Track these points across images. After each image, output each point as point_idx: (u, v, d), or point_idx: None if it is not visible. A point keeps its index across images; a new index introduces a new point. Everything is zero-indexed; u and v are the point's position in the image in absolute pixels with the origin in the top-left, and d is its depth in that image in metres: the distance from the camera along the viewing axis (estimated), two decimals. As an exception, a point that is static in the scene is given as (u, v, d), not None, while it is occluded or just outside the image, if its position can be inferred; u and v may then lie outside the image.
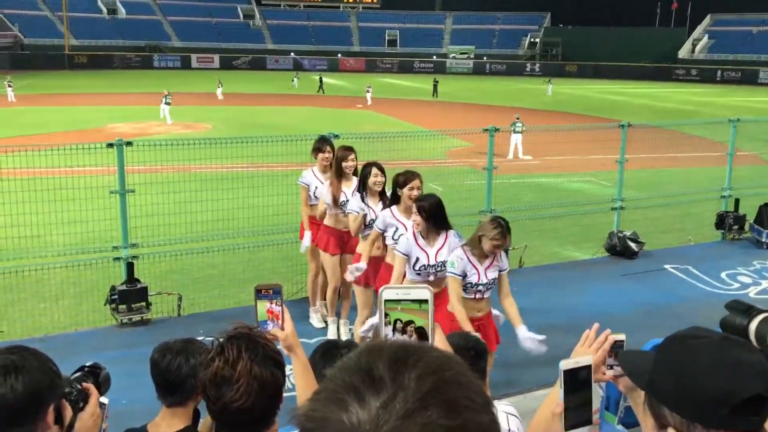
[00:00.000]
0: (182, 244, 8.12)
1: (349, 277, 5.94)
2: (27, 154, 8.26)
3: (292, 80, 52.14)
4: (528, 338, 4.87)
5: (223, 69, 69.04)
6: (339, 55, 77.47)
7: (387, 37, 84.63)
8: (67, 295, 8.45)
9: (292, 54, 75.62)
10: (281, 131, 10.18)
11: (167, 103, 28.92)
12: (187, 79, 54.88)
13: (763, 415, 1.24)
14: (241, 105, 36.18)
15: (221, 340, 1.98)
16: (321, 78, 48.78)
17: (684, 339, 1.37)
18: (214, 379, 1.93)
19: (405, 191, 5.73)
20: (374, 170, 6.22)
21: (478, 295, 5.05)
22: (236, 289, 8.49)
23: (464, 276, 4.97)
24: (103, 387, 2.17)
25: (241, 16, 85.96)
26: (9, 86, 36.84)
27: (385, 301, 1.24)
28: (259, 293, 2.28)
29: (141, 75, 59.65)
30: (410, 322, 1.25)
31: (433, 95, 44.69)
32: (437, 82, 46.65)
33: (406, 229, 5.62)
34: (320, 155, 7.02)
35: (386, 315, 1.24)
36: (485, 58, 77.98)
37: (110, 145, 7.20)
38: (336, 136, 7.84)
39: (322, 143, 7.09)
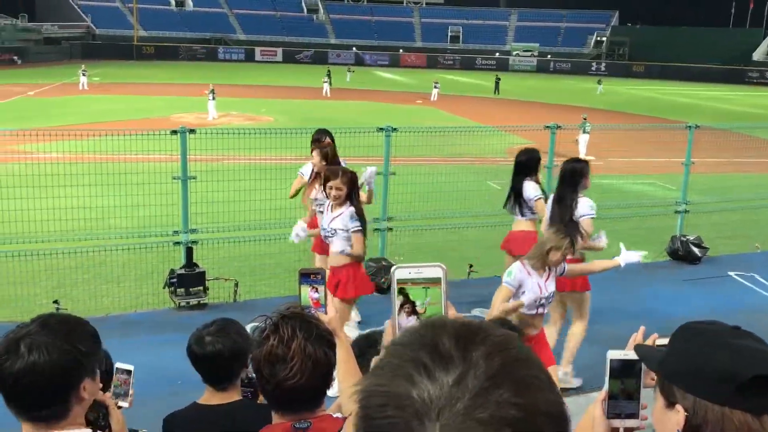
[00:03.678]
0: (240, 231, 8.29)
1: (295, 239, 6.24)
2: (95, 140, 8.57)
3: (335, 75, 52.30)
4: (629, 254, 5.08)
5: (286, 62, 69.93)
6: (401, 50, 77.51)
7: (450, 33, 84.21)
8: (128, 277, 8.72)
9: (353, 48, 76.04)
10: (340, 125, 10.29)
11: (213, 98, 29.18)
12: (250, 71, 55.81)
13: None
14: (301, 99, 36.59)
15: (275, 319, 2.02)
16: (329, 71, 48.96)
17: (697, 325, 1.45)
18: (268, 358, 1.96)
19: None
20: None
21: (540, 310, 4.99)
22: (290, 278, 8.60)
23: (519, 289, 4.90)
24: (110, 374, 2.31)
25: (305, 9, 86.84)
26: (83, 75, 38.24)
27: (398, 280, 1.22)
28: (304, 277, 2.32)
29: (205, 67, 60.89)
30: (409, 301, 1.23)
31: (495, 92, 44.30)
32: (499, 79, 46.21)
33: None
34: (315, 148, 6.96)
35: (398, 294, 1.23)
36: (549, 56, 76.85)
37: (174, 132, 7.40)
38: (394, 130, 7.87)
39: (320, 134, 7.13)
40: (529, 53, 78.04)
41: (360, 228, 5.68)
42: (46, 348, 1.80)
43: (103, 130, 9.34)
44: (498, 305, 4.82)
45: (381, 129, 8.12)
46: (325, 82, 40.56)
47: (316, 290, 2.31)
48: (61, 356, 1.81)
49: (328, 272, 5.57)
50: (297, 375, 1.93)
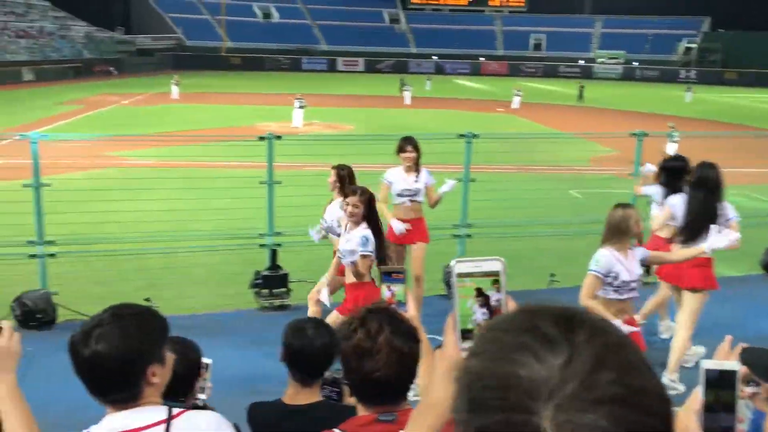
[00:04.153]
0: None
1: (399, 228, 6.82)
2: (185, 147, 8.94)
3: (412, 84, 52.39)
4: (717, 238, 4.91)
5: (367, 72, 70.76)
6: (481, 58, 77.14)
7: (532, 41, 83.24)
8: (214, 279, 9.03)
9: (434, 57, 76.19)
10: (420, 132, 10.40)
11: (301, 107, 29.77)
12: (332, 81, 56.73)
13: None
14: (381, 107, 36.91)
15: (362, 313, 2.09)
16: (402, 80, 49.04)
17: None
18: (356, 350, 2.04)
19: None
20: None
21: (632, 294, 4.98)
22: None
23: (609, 275, 4.88)
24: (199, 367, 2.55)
25: (387, 20, 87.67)
26: (175, 85, 39.88)
27: (458, 274, 1.22)
28: (386, 275, 2.39)
29: (289, 77, 62.28)
30: (483, 294, 1.23)
31: (578, 100, 43.46)
32: (583, 87, 45.30)
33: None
34: (402, 154, 7.19)
35: (459, 288, 1.23)
36: (636, 63, 74.79)
37: (262, 138, 7.65)
38: (475, 136, 7.88)
39: (405, 142, 7.23)
40: (615, 60, 76.17)
41: (369, 253, 5.42)
42: (113, 337, 1.97)
43: (193, 138, 9.72)
44: (584, 293, 4.85)
45: (462, 135, 8.15)
46: (406, 90, 40.80)
47: (397, 288, 2.37)
48: (126, 345, 1.98)
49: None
50: (383, 368, 1.99)
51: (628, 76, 72.08)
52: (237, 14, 79.82)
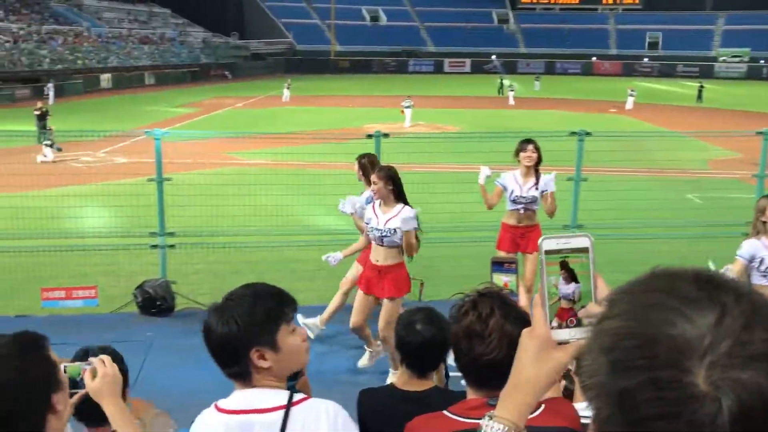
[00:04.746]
0: (426, 233, 8.53)
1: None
2: (295, 147, 9.26)
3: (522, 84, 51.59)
4: None
5: (474, 73, 70.37)
6: (594, 58, 75.01)
7: (648, 40, 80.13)
8: (321, 274, 9.24)
9: (544, 57, 74.80)
10: (526, 133, 10.31)
11: (407, 107, 30.07)
12: (439, 82, 56.78)
13: None
14: (486, 108, 36.62)
15: (473, 297, 2.11)
16: (501, 80, 48.41)
17: None
18: (466, 333, 2.05)
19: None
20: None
21: None
22: (467, 283, 8.69)
23: (753, 261, 5.07)
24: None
25: (496, 20, 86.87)
26: (287, 88, 41.31)
27: (546, 252, 1.21)
28: (496, 265, 2.39)
29: (396, 79, 62.85)
30: (569, 269, 1.22)
31: (698, 100, 41.47)
32: (702, 87, 43.20)
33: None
34: (522, 154, 6.76)
35: (547, 266, 1.21)
36: (762, 61, 70.48)
37: (369, 136, 7.81)
38: (587, 134, 7.71)
39: (525, 144, 6.82)
40: (738, 59, 72.09)
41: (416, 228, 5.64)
42: (226, 313, 2.07)
43: (303, 139, 10.02)
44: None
45: (574, 133, 7.99)
46: (511, 91, 40.45)
47: (510, 278, 2.38)
48: (230, 324, 2.06)
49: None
50: (494, 351, 1.99)
51: (753, 74, 68.07)
52: (346, 18, 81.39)
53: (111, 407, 2.12)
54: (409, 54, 77.54)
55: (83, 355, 2.36)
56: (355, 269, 6.89)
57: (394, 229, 5.58)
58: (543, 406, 2.05)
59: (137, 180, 9.69)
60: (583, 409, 2.31)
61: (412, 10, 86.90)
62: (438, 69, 73.66)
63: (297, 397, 2.06)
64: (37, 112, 22.81)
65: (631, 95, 37.69)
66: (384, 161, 8.15)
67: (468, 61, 74.48)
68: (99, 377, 2.16)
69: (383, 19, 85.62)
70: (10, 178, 9.37)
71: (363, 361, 6.31)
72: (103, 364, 2.19)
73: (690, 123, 30.07)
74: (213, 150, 14.84)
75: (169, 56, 66.53)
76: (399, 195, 5.67)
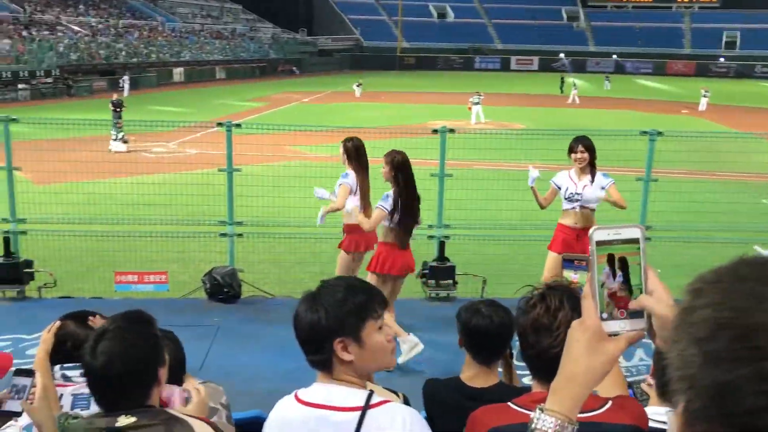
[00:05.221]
0: (488, 230, 8.52)
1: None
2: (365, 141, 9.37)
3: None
4: None
5: (541, 71, 69.36)
6: (666, 58, 72.91)
7: (724, 39, 77.35)
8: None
9: (614, 56, 73.10)
10: (595, 130, 10.15)
11: (476, 103, 29.95)
12: (505, 80, 56.22)
13: None
14: (551, 107, 36.08)
15: (542, 289, 2.11)
16: (563, 78, 47.66)
17: None
18: (534, 325, 2.05)
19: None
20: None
21: None
22: (531, 282, 8.63)
23: None
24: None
25: (565, 17, 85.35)
26: (358, 86, 42.02)
27: (597, 242, 1.20)
28: (567, 262, 2.40)
29: (462, 76, 62.51)
30: (620, 260, 1.20)
31: (776, 103, 39.87)
32: (782, 88, 41.50)
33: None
34: (572, 155, 6.59)
35: (598, 256, 1.20)
36: None
37: (435, 131, 7.83)
38: (659, 134, 7.55)
39: (577, 142, 6.63)
40: (823, 59, 68.92)
41: (382, 207, 6.02)
42: (313, 303, 2.10)
43: (370, 134, 10.09)
44: None
45: (645, 132, 7.81)
46: (574, 89, 39.82)
47: (580, 275, 2.38)
48: (317, 314, 2.07)
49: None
50: (561, 344, 1.98)
51: (838, 76, 65.04)
52: (413, 14, 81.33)
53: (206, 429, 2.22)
54: (475, 51, 76.95)
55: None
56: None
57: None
58: (610, 402, 2.04)
59: (207, 170, 9.97)
60: (657, 413, 2.28)
61: (480, 6, 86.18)
62: (505, 66, 72.87)
63: (375, 399, 2.03)
64: (113, 104, 23.63)
65: (705, 96, 36.46)
66: (449, 158, 8.17)
67: (536, 58, 73.43)
68: (195, 403, 2.37)
69: (451, 16, 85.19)
70: (87, 166, 9.77)
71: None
72: (198, 393, 2.40)
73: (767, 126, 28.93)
74: (280, 143, 15.08)
75: (239, 51, 67.86)
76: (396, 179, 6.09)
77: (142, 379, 2.13)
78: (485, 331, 2.88)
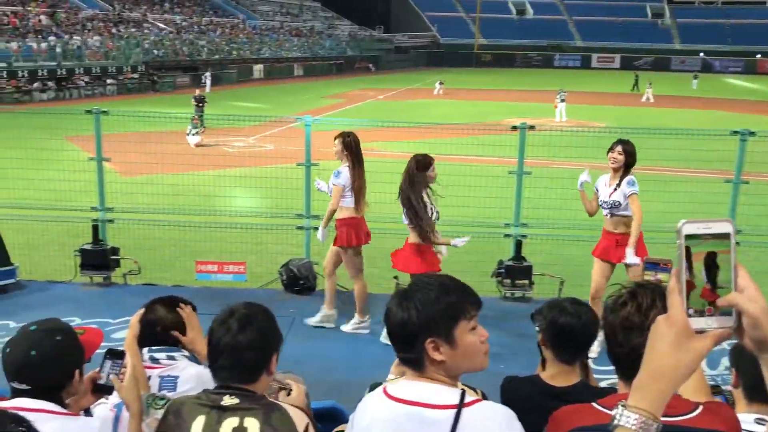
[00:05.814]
0: (565, 230, 8.36)
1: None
2: (441, 139, 9.36)
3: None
4: None
5: (623, 69, 67.53)
6: (758, 55, 69.73)
7: (822, 36, 73.49)
8: (457, 267, 9.25)
9: (701, 54, 70.48)
10: (678, 128, 9.81)
11: (562, 100, 29.57)
12: (585, 78, 55.03)
13: None
14: (630, 106, 35.09)
15: (631, 287, 2.05)
16: (637, 77, 46.55)
17: None
18: (624, 324, 1.99)
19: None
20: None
21: None
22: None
23: None
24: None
25: (650, 14, 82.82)
26: (440, 84, 42.11)
27: (686, 236, 1.16)
28: (650, 264, 2.33)
29: (540, 73, 61.52)
30: (713, 255, 1.16)
31: None
32: None
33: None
34: (609, 155, 6.33)
35: (687, 250, 1.17)
36: None
37: (515, 128, 7.73)
38: (751, 134, 7.24)
39: (615, 143, 6.36)
40: None
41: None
42: (411, 305, 2.03)
43: (445, 131, 10.06)
44: None
45: (736, 132, 7.49)
46: (649, 88, 38.76)
47: (664, 276, 2.31)
48: (407, 311, 2.02)
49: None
50: None
51: None
52: (491, 11, 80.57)
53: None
54: (555, 48, 75.64)
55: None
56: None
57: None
58: (701, 407, 1.97)
59: (285, 165, 10.14)
60: (746, 420, 2.19)
61: (561, 3, 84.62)
62: (585, 64, 71.36)
63: (469, 398, 1.98)
64: (196, 99, 24.37)
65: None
66: (528, 156, 8.04)
67: (617, 56, 71.55)
68: (295, 395, 2.53)
69: (530, 13, 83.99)
70: (171, 158, 10.07)
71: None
72: (298, 386, 2.58)
73: None
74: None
75: (317, 48, 68.81)
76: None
77: (262, 357, 2.31)
78: (571, 329, 2.82)
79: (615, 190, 6.23)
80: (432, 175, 6.36)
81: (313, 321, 7.19)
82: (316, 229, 8.37)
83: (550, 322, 2.89)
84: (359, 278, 7.03)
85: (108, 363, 2.49)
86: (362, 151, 6.86)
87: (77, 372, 2.36)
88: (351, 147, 6.82)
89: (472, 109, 32.04)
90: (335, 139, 6.89)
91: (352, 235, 6.86)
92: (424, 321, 1.99)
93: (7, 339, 2.37)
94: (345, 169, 6.79)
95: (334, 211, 6.84)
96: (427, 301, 2.00)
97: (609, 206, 6.28)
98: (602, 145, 8.91)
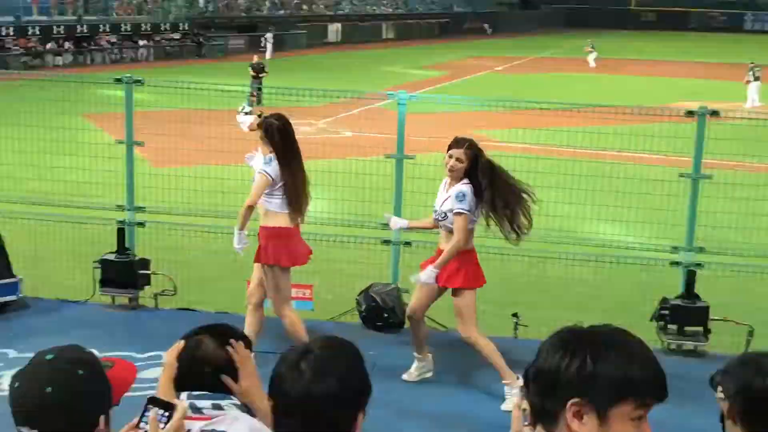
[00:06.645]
0: (759, 259, 8.15)
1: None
2: (574, 128, 9.30)
3: None
4: None
5: None
6: None
7: None
8: (595, 303, 9.08)
9: None
10: None
11: (756, 78, 28.66)
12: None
13: None
14: None
15: None
16: None
17: None
18: None
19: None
20: None
21: None
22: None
23: None
24: None
25: None
26: (590, 50, 41.88)
27: None
28: None
29: (725, 40, 59.93)
30: None
31: None
32: None
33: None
34: None
35: None
36: None
37: (690, 113, 7.59)
38: None
39: None
40: None
41: (464, 211, 6.47)
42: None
43: (587, 116, 9.95)
44: None
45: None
46: None
47: None
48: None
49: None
50: None
51: None
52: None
53: None
54: (745, 5, 73.66)
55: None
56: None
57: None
58: None
59: (367, 158, 10.23)
60: None
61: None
62: (789, 28, 69.15)
63: None
64: (253, 68, 24.98)
65: None
66: (709, 149, 7.85)
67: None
68: None
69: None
70: (216, 144, 10.21)
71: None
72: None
73: None
74: (458, 125, 15.10)
75: (414, 3, 69.31)
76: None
77: (345, 415, 2.32)
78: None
79: None
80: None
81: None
82: (408, 244, 8.43)
83: (742, 387, 2.82)
84: (286, 308, 7.02)
85: (150, 415, 2.52)
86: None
87: (102, 419, 2.39)
88: (275, 135, 6.80)
89: (628, 86, 31.54)
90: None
91: (281, 252, 6.84)
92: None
93: (10, 373, 2.44)
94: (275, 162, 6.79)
95: (251, 208, 6.77)
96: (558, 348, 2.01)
97: None
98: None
